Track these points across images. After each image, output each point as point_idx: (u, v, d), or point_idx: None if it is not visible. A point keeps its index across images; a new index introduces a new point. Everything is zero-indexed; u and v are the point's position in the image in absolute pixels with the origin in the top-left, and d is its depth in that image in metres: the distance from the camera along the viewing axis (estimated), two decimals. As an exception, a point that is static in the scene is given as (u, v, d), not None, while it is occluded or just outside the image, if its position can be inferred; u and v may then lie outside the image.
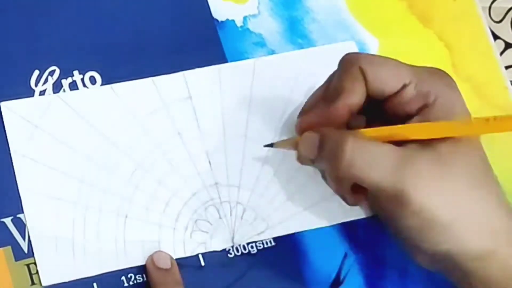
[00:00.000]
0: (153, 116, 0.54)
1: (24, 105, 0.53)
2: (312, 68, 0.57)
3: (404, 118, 0.48)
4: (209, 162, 0.54)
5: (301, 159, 0.50)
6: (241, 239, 0.53)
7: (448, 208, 0.45)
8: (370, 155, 0.46)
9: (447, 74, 0.49)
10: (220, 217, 0.53)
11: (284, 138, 0.54)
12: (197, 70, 0.56)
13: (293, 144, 0.51)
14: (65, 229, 0.52)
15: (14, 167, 0.52)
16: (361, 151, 0.46)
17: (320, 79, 0.57)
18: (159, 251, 0.52)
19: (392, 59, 0.49)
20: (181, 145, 0.54)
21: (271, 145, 0.53)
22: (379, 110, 0.49)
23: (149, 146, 0.54)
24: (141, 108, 0.54)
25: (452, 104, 0.48)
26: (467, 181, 0.46)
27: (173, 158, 0.54)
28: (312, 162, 0.49)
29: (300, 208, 0.54)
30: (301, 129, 0.51)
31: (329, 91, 0.50)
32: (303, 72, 0.57)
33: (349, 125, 0.49)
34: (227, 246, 0.53)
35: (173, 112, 0.55)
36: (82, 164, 0.53)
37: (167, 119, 0.54)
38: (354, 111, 0.49)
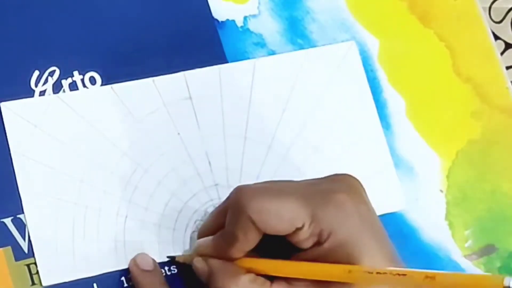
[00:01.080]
0: (153, 116, 0.54)
1: (24, 105, 0.53)
2: (312, 68, 0.57)
3: (299, 249, 0.48)
4: (209, 162, 0.54)
5: None
6: (241, 239, 0.53)
7: None
8: None
9: (347, 194, 0.47)
10: (220, 217, 0.53)
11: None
12: (197, 70, 0.56)
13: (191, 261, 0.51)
14: (64, 229, 0.52)
15: (14, 167, 0.52)
16: None
17: (320, 80, 0.57)
18: (141, 253, 0.52)
19: (287, 193, 0.47)
20: (181, 145, 0.54)
21: (173, 258, 0.52)
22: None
23: (149, 146, 0.54)
24: (141, 108, 0.54)
25: (344, 241, 0.46)
26: None
27: (173, 158, 0.54)
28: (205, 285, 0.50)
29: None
30: (197, 253, 0.51)
31: (224, 235, 0.49)
32: (303, 72, 0.57)
33: None
34: (227, 246, 0.53)
35: (173, 112, 0.55)
36: (82, 164, 0.53)
37: (167, 119, 0.54)
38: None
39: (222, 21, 0.57)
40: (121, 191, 0.53)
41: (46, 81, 0.54)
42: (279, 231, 0.47)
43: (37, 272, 0.51)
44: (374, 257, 0.46)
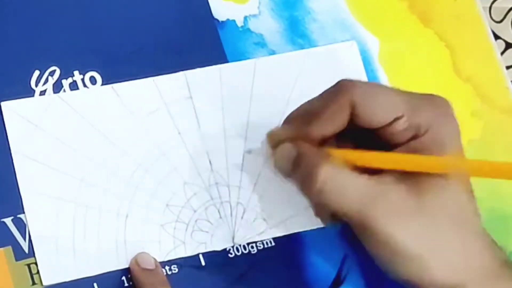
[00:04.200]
0: (154, 116, 0.54)
1: (24, 105, 0.53)
2: (312, 68, 0.57)
3: (392, 145, 0.48)
4: (210, 162, 0.54)
5: (277, 168, 0.50)
6: (242, 239, 0.53)
7: (418, 241, 0.46)
8: (342, 185, 0.46)
9: (445, 102, 0.49)
10: (220, 217, 0.53)
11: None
12: (198, 70, 0.56)
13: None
14: (65, 229, 0.52)
15: (15, 167, 0.52)
16: (334, 180, 0.46)
17: (320, 79, 0.57)
18: (142, 252, 0.52)
19: (388, 88, 0.49)
20: (181, 145, 0.54)
21: (249, 152, 0.53)
22: (368, 133, 0.48)
23: (149, 146, 0.54)
24: (142, 108, 0.54)
25: (442, 137, 0.47)
26: (443, 216, 0.46)
27: (174, 158, 0.54)
28: (286, 175, 0.49)
29: (300, 208, 0.54)
30: (268, 139, 0.50)
31: (313, 107, 0.49)
32: (303, 72, 0.57)
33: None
34: (228, 246, 0.53)
35: (174, 112, 0.55)
36: (82, 164, 0.53)
37: (167, 119, 0.54)
38: (329, 136, 0.48)
39: (222, 21, 0.57)
40: (121, 190, 0.53)
41: (46, 80, 0.54)
42: (376, 119, 0.47)
43: (38, 272, 0.51)
44: None
